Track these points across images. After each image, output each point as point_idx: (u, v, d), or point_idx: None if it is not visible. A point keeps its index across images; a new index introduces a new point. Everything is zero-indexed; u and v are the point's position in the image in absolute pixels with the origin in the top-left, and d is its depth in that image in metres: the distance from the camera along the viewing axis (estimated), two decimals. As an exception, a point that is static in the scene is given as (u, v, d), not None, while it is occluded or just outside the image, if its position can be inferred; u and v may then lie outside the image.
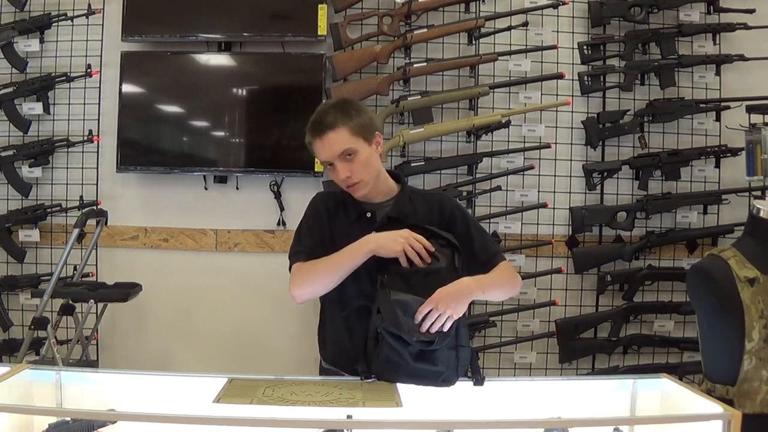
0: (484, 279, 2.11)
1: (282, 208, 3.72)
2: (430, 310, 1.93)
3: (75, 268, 3.53)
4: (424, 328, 1.93)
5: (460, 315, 2.00)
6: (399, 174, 2.37)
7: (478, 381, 1.97)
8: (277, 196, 3.72)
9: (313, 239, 2.22)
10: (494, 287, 2.18)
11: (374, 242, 2.06)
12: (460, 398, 1.96)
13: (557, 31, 3.69)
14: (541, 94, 3.67)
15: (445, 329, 1.95)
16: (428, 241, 2.05)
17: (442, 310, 1.94)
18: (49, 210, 3.66)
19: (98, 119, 3.71)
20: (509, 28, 3.61)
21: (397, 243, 2.02)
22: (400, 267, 2.02)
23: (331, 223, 2.25)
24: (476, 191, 3.62)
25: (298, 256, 2.21)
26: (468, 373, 2.00)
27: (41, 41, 3.64)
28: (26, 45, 3.63)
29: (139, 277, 3.47)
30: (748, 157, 3.42)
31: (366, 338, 2.04)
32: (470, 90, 3.59)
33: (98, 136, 3.67)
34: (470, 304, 3.46)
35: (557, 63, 3.68)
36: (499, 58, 3.60)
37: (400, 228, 2.13)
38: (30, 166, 3.63)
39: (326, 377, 2.18)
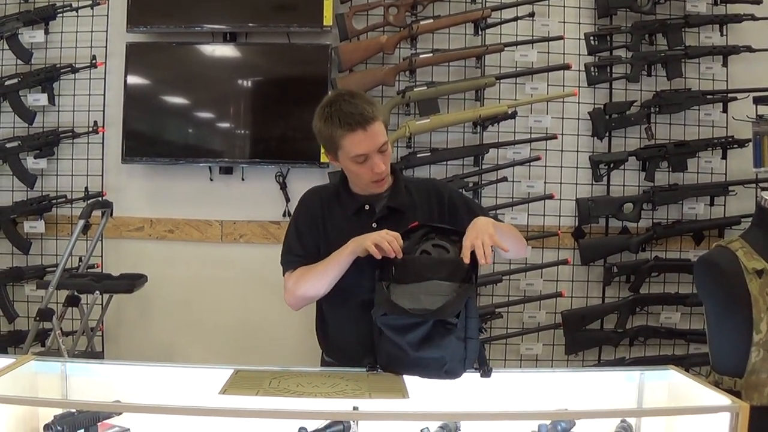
0: (496, 222, 2.13)
1: (288, 199, 3.71)
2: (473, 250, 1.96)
3: (80, 260, 3.55)
4: (484, 258, 1.94)
5: (497, 238, 2.00)
6: (391, 163, 2.35)
7: (485, 372, 1.96)
8: (283, 187, 3.71)
9: (303, 246, 2.23)
10: (505, 230, 2.19)
11: (353, 244, 2.07)
12: (466, 390, 1.95)
13: (564, 22, 3.67)
14: (548, 85, 3.66)
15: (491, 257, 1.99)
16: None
17: (483, 238, 1.96)
18: (54, 201, 3.66)
19: (103, 110, 3.71)
20: (515, 19, 3.59)
21: (369, 239, 2.02)
22: (396, 258, 2.00)
23: (325, 220, 2.25)
24: (482, 182, 3.62)
25: (289, 266, 2.23)
26: (475, 364, 1.99)
27: (46, 32, 3.64)
28: (31, 36, 3.62)
29: (145, 268, 3.48)
30: (755, 149, 3.42)
31: (371, 331, 2.03)
32: (476, 81, 3.58)
33: (103, 127, 3.66)
34: (476, 295, 3.50)
35: (564, 54, 3.65)
36: (506, 48, 3.58)
37: (401, 218, 2.15)
38: (35, 158, 3.63)
39: (333, 368, 2.17)
